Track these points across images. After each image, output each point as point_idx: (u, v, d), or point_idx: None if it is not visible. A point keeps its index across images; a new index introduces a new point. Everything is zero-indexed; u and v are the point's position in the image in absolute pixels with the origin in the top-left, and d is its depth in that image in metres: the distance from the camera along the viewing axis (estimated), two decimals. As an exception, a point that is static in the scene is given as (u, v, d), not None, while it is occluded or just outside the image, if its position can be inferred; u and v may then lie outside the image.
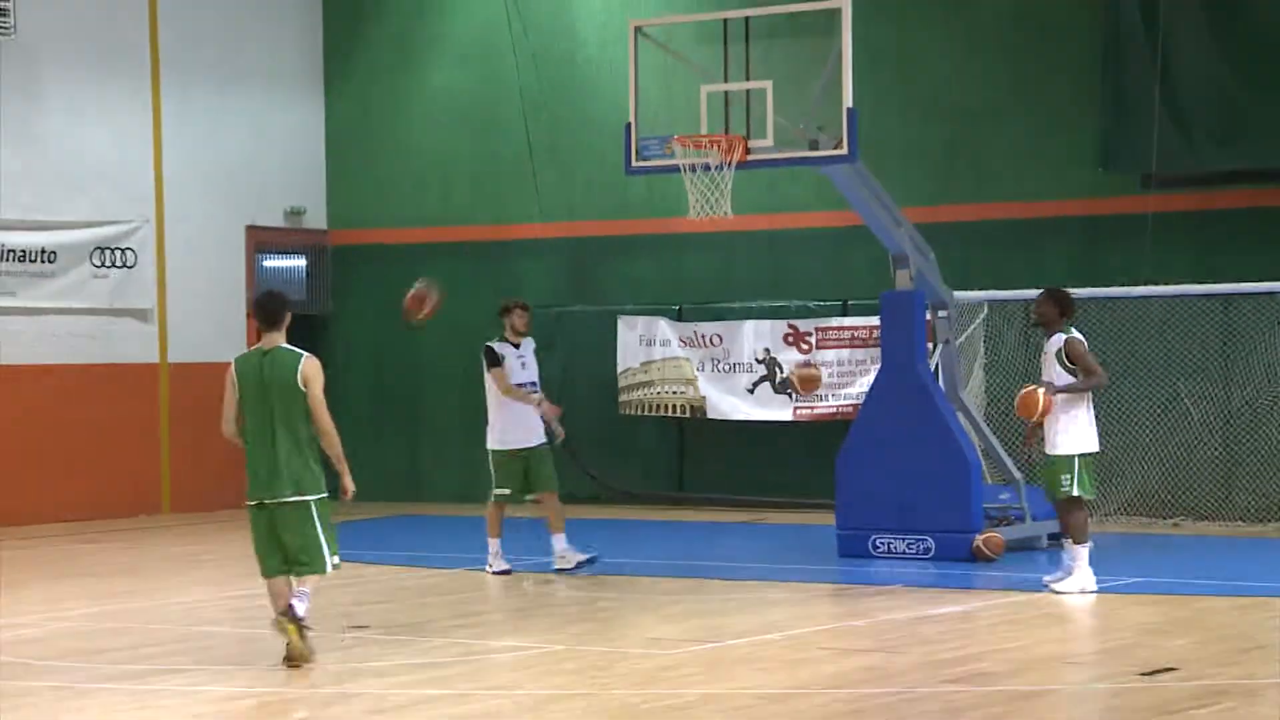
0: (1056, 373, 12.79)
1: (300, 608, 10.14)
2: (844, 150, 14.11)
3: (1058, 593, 12.62)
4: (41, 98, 19.22)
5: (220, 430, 10.47)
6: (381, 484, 21.35)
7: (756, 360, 19.48)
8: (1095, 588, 12.67)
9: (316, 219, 21.70)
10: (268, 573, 10.35)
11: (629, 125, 14.72)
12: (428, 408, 21.45)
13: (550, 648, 10.80)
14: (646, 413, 19.94)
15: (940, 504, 14.46)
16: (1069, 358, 12.82)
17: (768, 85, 14.25)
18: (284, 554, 10.25)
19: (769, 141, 14.32)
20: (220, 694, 9.58)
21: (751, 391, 19.47)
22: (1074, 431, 12.77)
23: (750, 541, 17.00)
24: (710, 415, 19.63)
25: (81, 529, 18.55)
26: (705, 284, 20.16)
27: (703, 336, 19.73)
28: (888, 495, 14.58)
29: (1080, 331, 13.08)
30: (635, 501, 19.89)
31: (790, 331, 19.33)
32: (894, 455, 14.64)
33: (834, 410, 18.96)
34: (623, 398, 20.04)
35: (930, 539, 14.49)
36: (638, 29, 14.96)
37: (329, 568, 10.30)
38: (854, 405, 18.17)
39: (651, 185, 19.42)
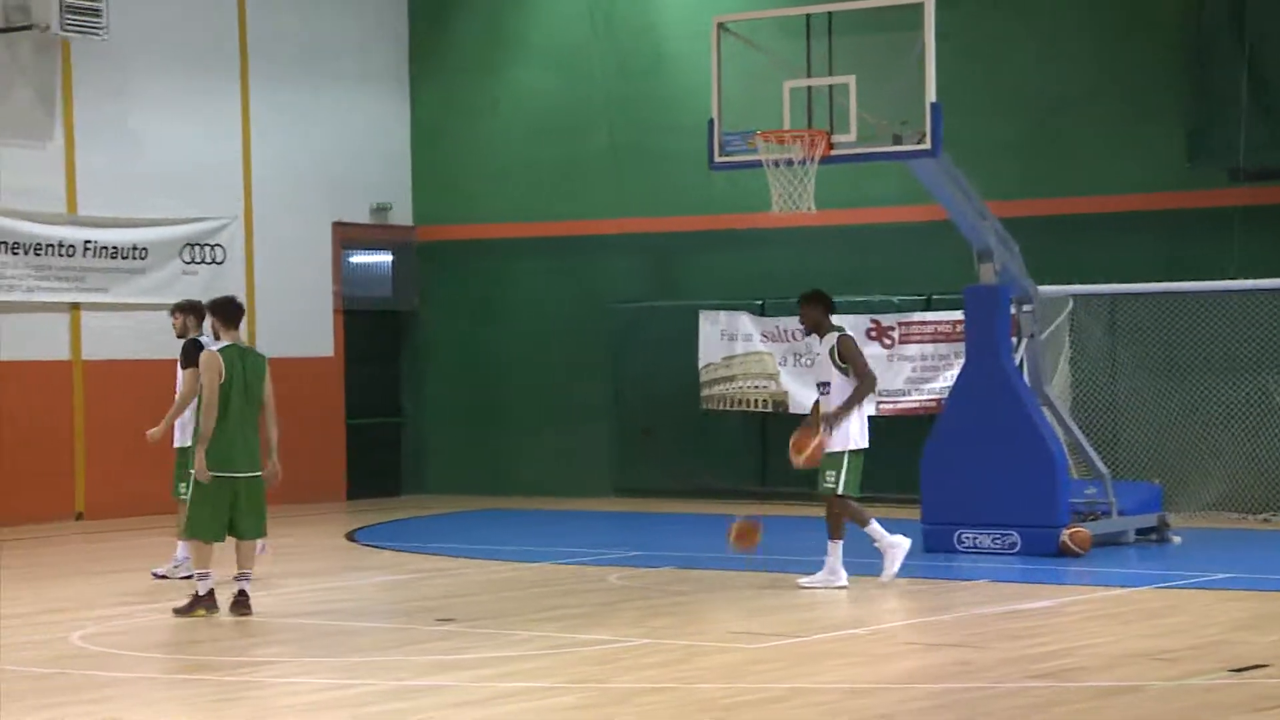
0: (831, 374, 12.84)
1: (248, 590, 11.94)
2: (927, 145, 14.07)
3: (804, 587, 12.74)
4: (133, 96, 19.47)
5: (205, 418, 11.73)
6: (466, 478, 21.52)
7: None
8: (844, 583, 12.69)
9: (402, 215, 21.86)
10: (218, 538, 11.88)
11: (712, 121, 14.73)
12: (512, 402, 21.56)
13: (635, 641, 10.84)
14: (729, 408, 19.95)
15: (1026, 499, 14.40)
16: (841, 356, 12.86)
17: (851, 80, 14.22)
18: (233, 521, 11.86)
19: (852, 136, 14.29)
20: (309, 685, 9.68)
21: (835, 386, 19.41)
22: (843, 430, 12.78)
23: (834, 536, 16.94)
24: (793, 410, 19.59)
25: (173, 521, 18.74)
26: (787, 279, 20.11)
27: (785, 331, 19.71)
28: (973, 490, 14.54)
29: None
30: (717, 496, 19.90)
31: (873, 326, 19.29)
32: (979, 450, 14.60)
33: (917, 405, 18.91)
34: (705, 393, 20.06)
35: (1016, 534, 14.44)
36: (721, 25, 14.97)
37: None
38: (937, 400, 18.13)
39: (734, 180, 19.41)
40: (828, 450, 12.81)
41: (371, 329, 21.74)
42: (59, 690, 9.52)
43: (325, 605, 12.63)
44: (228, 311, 12.12)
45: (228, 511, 11.87)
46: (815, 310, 13.05)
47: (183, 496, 13.75)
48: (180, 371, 13.81)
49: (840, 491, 12.81)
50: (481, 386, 21.64)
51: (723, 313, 20.00)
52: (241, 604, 11.84)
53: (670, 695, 9.21)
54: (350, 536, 17.34)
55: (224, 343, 12.02)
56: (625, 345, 20.68)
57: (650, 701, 9.07)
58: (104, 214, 19.18)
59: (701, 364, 20.06)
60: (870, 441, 13.00)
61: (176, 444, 13.86)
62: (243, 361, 11.96)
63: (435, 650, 10.59)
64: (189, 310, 14.02)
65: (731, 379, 19.97)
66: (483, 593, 13.22)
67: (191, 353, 13.76)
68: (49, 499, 18.57)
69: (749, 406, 19.89)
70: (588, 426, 21.04)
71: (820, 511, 13.09)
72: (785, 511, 18.98)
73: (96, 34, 18.52)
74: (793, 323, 19.88)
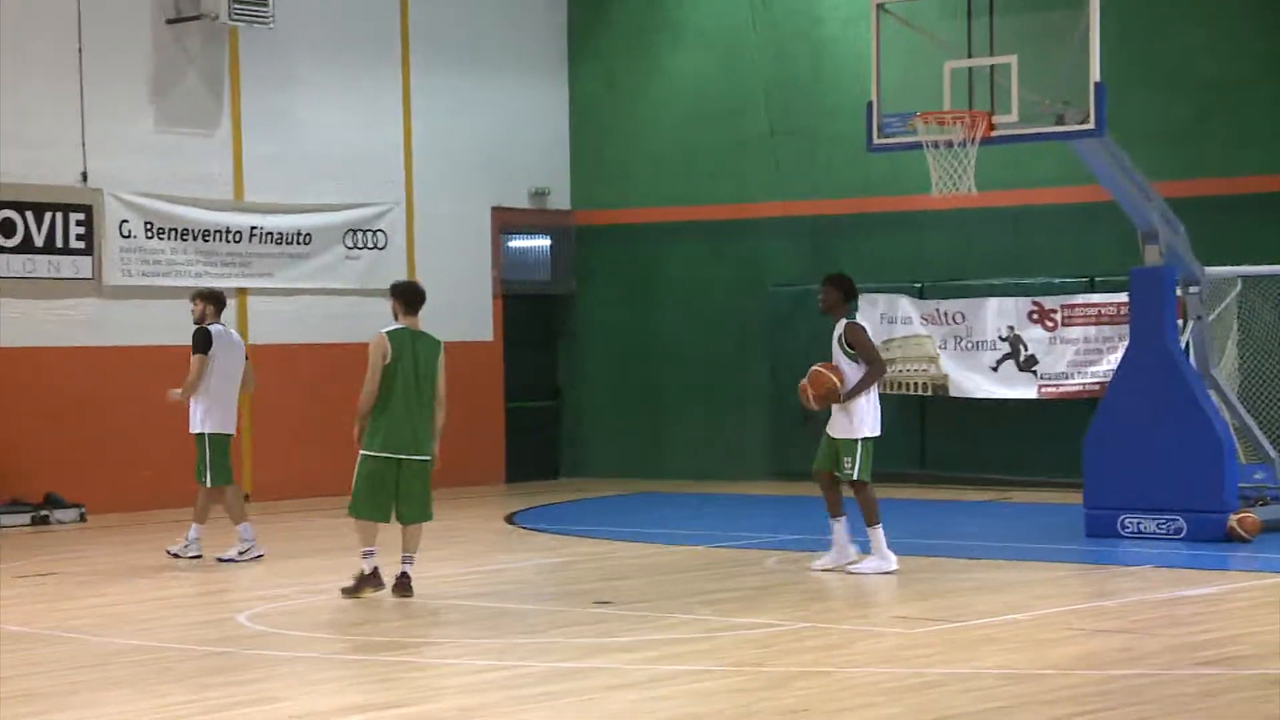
0: (840, 359, 12.81)
1: (410, 572, 12.03)
2: (1091, 125, 13.86)
3: (854, 574, 12.70)
4: (297, 84, 19.77)
5: (364, 395, 11.95)
6: (622, 461, 21.60)
7: (1000, 338, 19.25)
8: (895, 567, 12.70)
9: (560, 200, 21.98)
10: (381, 517, 11.98)
11: (871, 103, 14.63)
12: (669, 385, 21.60)
13: (792, 625, 10.82)
14: (888, 391, 19.79)
15: (1192, 483, 14.17)
16: (849, 343, 12.79)
17: (1012, 60, 14.06)
18: (395, 504, 11.94)
19: (1013, 117, 14.13)
20: (468, 666, 9.78)
21: (995, 369, 19.25)
22: (858, 416, 12.75)
23: (994, 520, 16.82)
24: (953, 393, 19.46)
25: (338, 503, 19.02)
26: (947, 261, 19.97)
27: (945, 314, 19.55)
28: (1137, 474, 14.33)
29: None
30: (877, 479, 19.73)
31: (1035, 308, 19.07)
32: (1144, 433, 14.38)
33: (1080, 388, 18.67)
34: (864, 376, 19.93)
35: (1181, 519, 14.21)
36: (880, 6, 14.85)
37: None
38: (1101, 383, 17.89)
39: (894, 162, 19.27)
40: (844, 436, 12.81)
41: (530, 313, 21.88)
42: (225, 670, 9.71)
43: (484, 587, 12.75)
44: (409, 296, 12.15)
45: (391, 492, 11.97)
46: (834, 293, 13.04)
47: (204, 481, 14.05)
48: (192, 357, 14.17)
49: (857, 477, 12.81)
50: (639, 370, 21.71)
51: (882, 295, 19.87)
52: (403, 586, 11.98)
53: (829, 679, 9.18)
54: (509, 519, 17.49)
55: (398, 325, 12.09)
56: (783, 328, 20.62)
57: (808, 685, 9.04)
58: (269, 200, 19.50)
59: (860, 347, 19.93)
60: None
61: (192, 430, 14.18)
62: (414, 345, 11.99)
63: (592, 633, 10.65)
64: (209, 298, 14.40)
65: (891, 362, 19.83)
66: (640, 576, 13.27)
67: (200, 340, 14.09)
68: (217, 481, 18.90)
69: (908, 390, 19.75)
70: (745, 409, 21.02)
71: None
72: (945, 495, 18.85)
73: (263, 23, 18.81)
74: (953, 305, 19.77)
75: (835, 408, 12.89)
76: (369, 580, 11.99)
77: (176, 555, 14.22)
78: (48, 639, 10.78)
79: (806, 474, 21.83)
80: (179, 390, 14.27)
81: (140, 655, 10.21)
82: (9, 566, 14.20)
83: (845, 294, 13.03)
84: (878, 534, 12.88)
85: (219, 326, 14.31)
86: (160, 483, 18.41)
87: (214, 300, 14.39)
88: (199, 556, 14.19)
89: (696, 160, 21.35)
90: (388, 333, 12.03)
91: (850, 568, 12.91)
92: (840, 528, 13.02)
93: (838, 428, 12.93)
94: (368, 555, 12.03)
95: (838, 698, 8.75)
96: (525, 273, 21.91)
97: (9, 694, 9.09)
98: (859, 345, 12.83)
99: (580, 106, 21.97)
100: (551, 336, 22.22)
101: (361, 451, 12.08)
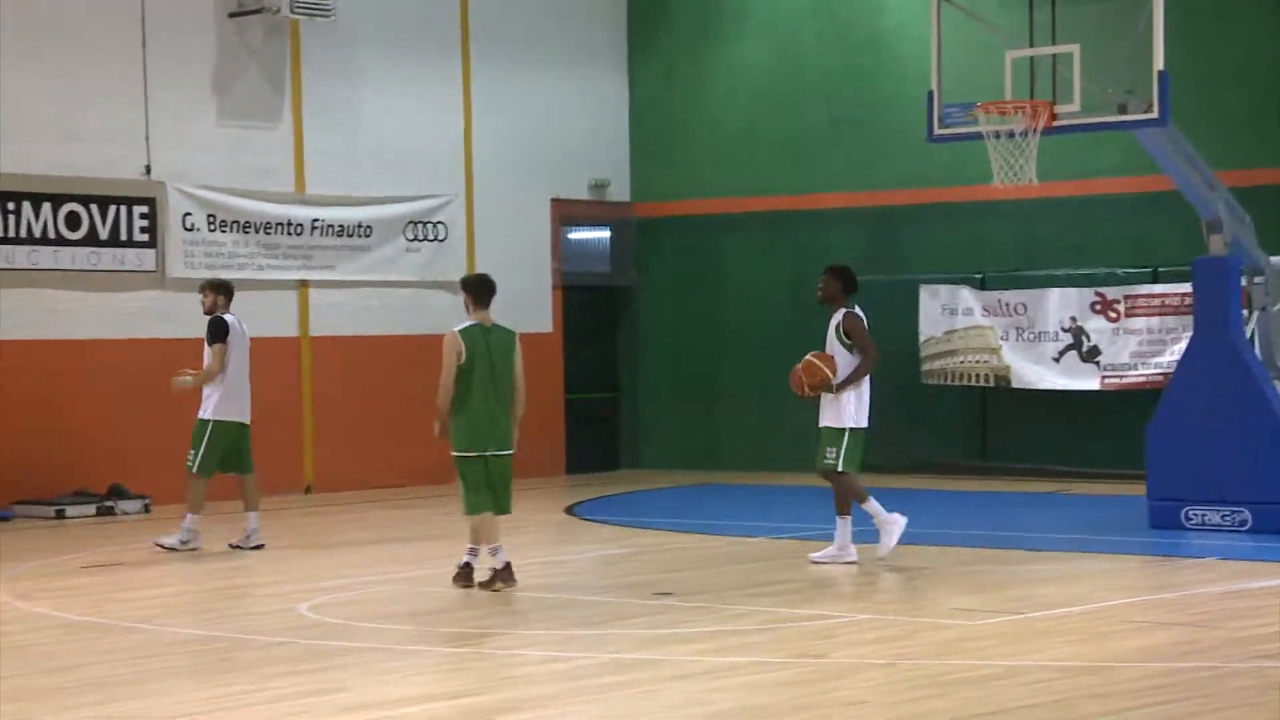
0: (835, 349, 12.85)
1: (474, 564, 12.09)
2: (1155, 114, 13.76)
3: (816, 562, 12.81)
4: (358, 77, 19.85)
5: (441, 394, 11.77)
6: (683, 452, 21.60)
7: (1062, 329, 19.15)
8: (854, 558, 12.80)
9: (620, 191, 21.99)
10: (479, 510, 11.92)
11: (931, 93, 14.58)
12: (729, 377, 21.58)
13: (852, 617, 10.80)
14: (949, 382, 19.75)
15: (1257, 475, 14.06)
16: (845, 332, 12.81)
17: (1075, 49, 13.98)
18: (490, 496, 11.92)
19: (1076, 106, 14.05)
20: (528, 657, 9.80)
21: (1057, 360, 19.15)
22: (847, 407, 12.78)
23: (1056, 512, 16.73)
24: (1014, 385, 19.37)
25: (398, 495, 19.14)
26: (1009, 252, 19.87)
27: (1006, 305, 19.46)
28: (1201, 466, 14.23)
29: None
30: (938, 471, 19.73)
31: (1098, 299, 18.95)
32: (1207, 425, 14.28)
33: (1143, 379, 18.55)
34: (925, 367, 19.88)
35: (1246, 511, 14.10)
36: (941, -5, 14.80)
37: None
38: (1164, 374, 17.77)
39: (954, 153, 19.19)
40: (831, 425, 12.82)
41: (590, 305, 21.91)
42: (286, 660, 9.76)
43: (544, 578, 12.77)
44: (479, 290, 12.02)
45: (484, 486, 11.91)
46: (835, 284, 13.05)
47: (191, 467, 14.14)
48: (206, 348, 14.27)
49: (841, 468, 12.80)
50: (699, 361, 21.70)
51: (943, 286, 19.81)
52: (464, 576, 12.04)
53: (888, 671, 9.16)
54: (569, 510, 17.53)
55: (470, 322, 11.98)
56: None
57: (868, 678, 9.03)
58: (330, 193, 19.60)
59: (922, 338, 19.88)
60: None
61: (200, 415, 14.32)
62: (486, 340, 11.88)
63: (652, 624, 10.66)
64: (218, 289, 14.52)
65: (952, 353, 19.77)
66: (700, 567, 13.27)
67: (215, 330, 14.18)
68: (279, 472, 19.01)
69: (970, 381, 19.67)
70: (805, 401, 20.94)
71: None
72: (1006, 487, 18.77)
73: (325, 16, 18.90)
74: (1015, 296, 19.68)
75: (825, 397, 12.88)
76: (501, 575, 11.96)
77: (238, 547, 14.33)
78: (111, 629, 10.87)
79: (867, 465, 21.87)
80: (190, 376, 14.34)
81: (202, 645, 10.29)
82: (75, 557, 14.34)
83: (845, 286, 13.05)
84: (846, 526, 12.89)
85: (232, 317, 14.42)
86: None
87: (224, 290, 14.52)
88: (261, 546, 14.29)
89: (757, 151, 21.32)
90: (460, 331, 11.89)
91: (813, 555, 12.98)
92: (845, 525, 12.99)
93: (825, 416, 12.97)
94: (471, 552, 12.06)
95: (898, 690, 8.73)
96: (585, 264, 21.94)
97: (74, 683, 9.17)
98: (854, 334, 12.85)
99: (640, 97, 21.98)
100: (611, 328, 22.24)
101: (452, 453, 12.03)
